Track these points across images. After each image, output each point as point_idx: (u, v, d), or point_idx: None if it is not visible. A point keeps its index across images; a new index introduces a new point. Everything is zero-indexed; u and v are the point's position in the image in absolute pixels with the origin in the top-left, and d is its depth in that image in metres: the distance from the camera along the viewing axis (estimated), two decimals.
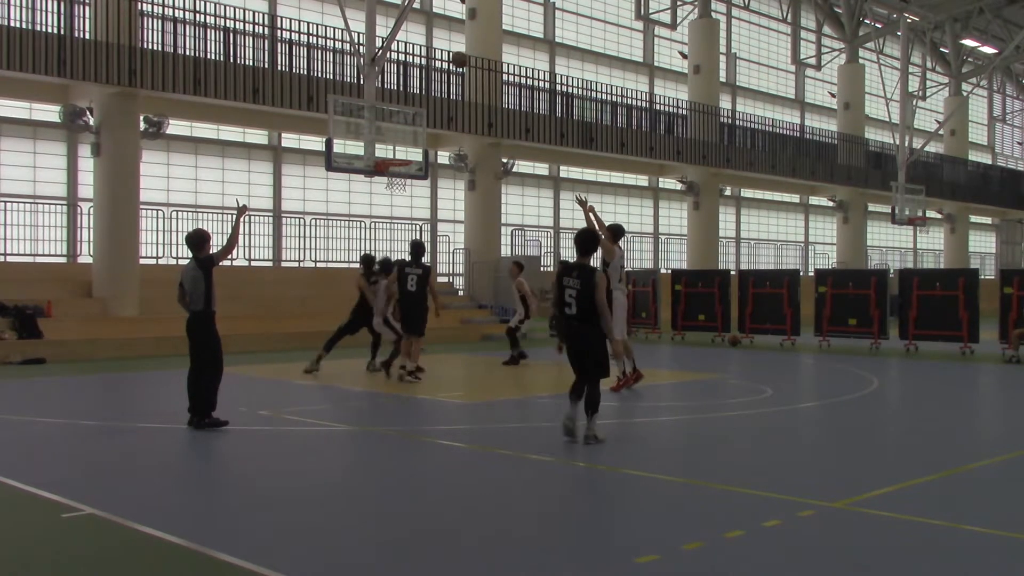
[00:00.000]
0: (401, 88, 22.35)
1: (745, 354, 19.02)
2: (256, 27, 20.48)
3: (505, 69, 25.01)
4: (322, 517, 6.06)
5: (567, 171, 29.49)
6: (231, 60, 19.79)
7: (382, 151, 18.93)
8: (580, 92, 26.87)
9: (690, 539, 5.55)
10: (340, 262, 23.80)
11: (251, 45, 20.35)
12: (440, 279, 25.85)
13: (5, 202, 19.02)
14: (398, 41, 20.51)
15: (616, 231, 11.90)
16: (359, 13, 19.44)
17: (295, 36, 21.02)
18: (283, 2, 23.46)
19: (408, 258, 13.27)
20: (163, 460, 8.02)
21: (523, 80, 25.45)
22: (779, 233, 37.65)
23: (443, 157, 25.72)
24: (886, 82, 33.83)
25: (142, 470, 7.65)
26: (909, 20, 35.34)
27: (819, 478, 7.45)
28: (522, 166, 26.87)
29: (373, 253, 16.11)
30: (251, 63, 20.18)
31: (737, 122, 32.15)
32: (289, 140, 23.48)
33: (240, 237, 8.82)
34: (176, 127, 20.74)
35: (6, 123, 19.28)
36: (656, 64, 33.18)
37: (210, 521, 5.99)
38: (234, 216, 9.64)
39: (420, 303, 13.05)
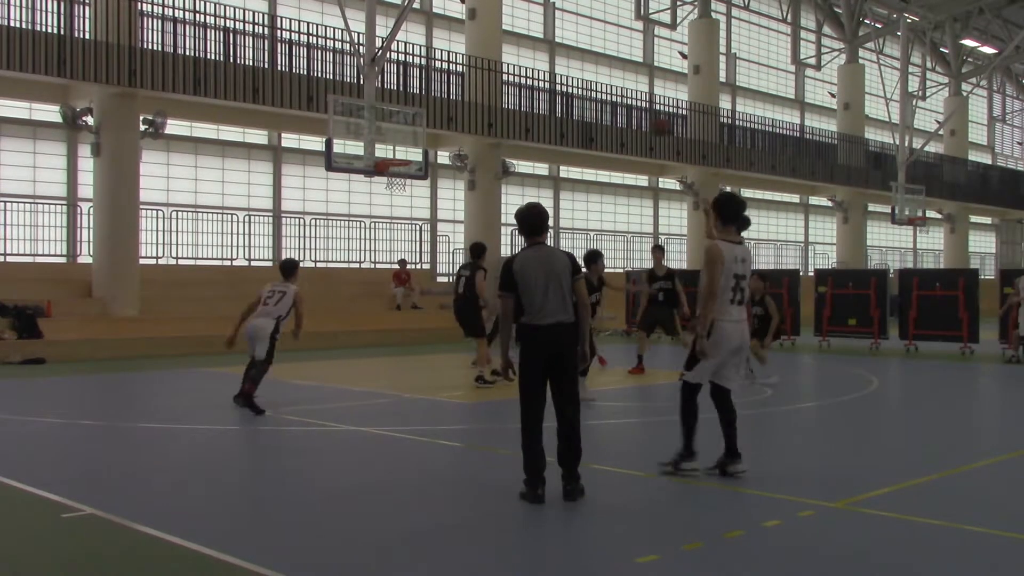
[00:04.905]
0: (401, 88, 22.34)
1: None
2: (256, 27, 20.47)
3: (505, 69, 25.00)
4: (322, 517, 6.06)
5: (567, 171, 29.49)
6: (231, 60, 19.78)
7: (382, 151, 18.92)
8: (580, 92, 26.87)
9: (690, 539, 5.55)
10: (340, 262, 23.80)
11: (251, 45, 20.34)
12: (440, 279, 25.90)
13: (5, 202, 19.02)
14: (398, 41, 20.51)
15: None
16: (359, 13, 19.43)
17: (295, 36, 21.01)
18: (283, 2, 23.45)
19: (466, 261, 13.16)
20: (163, 460, 8.02)
21: (523, 80, 25.44)
22: (779, 233, 37.64)
23: (443, 157, 25.72)
24: (886, 82, 33.82)
25: (142, 470, 7.64)
26: (909, 20, 35.33)
27: (819, 478, 7.44)
28: (522, 166, 26.86)
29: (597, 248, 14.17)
30: (251, 63, 20.17)
31: (737, 122, 32.13)
32: (289, 140, 23.48)
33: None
34: (176, 127, 20.73)
35: (6, 123, 19.28)
36: (656, 64, 33.18)
37: (210, 521, 5.98)
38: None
39: (469, 304, 12.84)
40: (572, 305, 6.50)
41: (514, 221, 6.84)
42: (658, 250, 14.46)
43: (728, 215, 7.31)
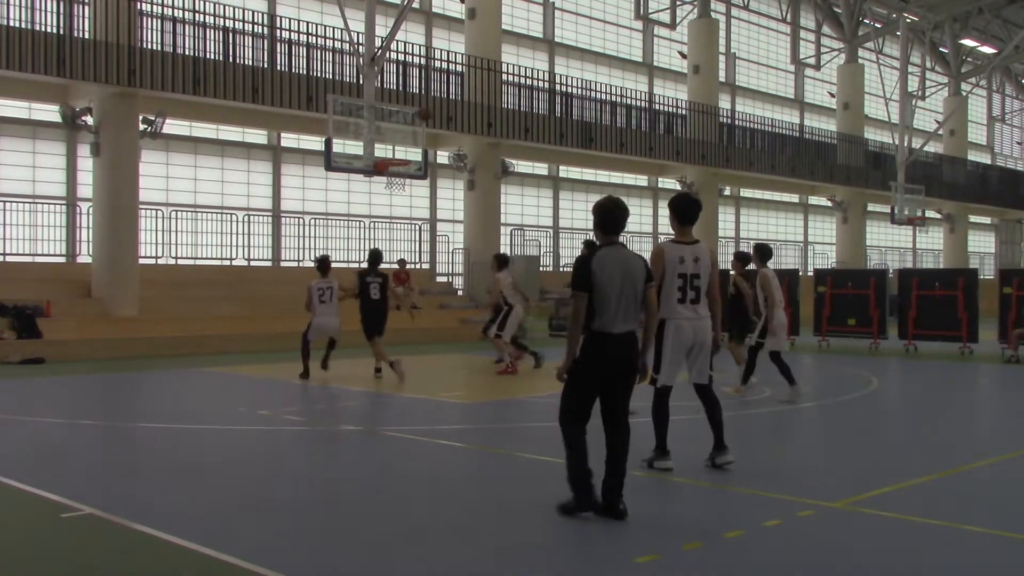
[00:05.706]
0: (401, 88, 22.34)
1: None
2: (255, 27, 20.47)
3: (505, 69, 24.99)
4: (322, 517, 6.06)
5: (566, 171, 29.49)
6: (231, 60, 19.78)
7: (381, 151, 18.91)
8: (579, 92, 26.87)
9: (690, 539, 5.55)
10: (340, 262, 23.77)
11: (250, 45, 20.34)
12: (439, 279, 25.93)
13: (5, 202, 19.02)
14: (398, 41, 20.51)
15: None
16: (359, 13, 19.42)
17: (295, 36, 21.01)
18: (283, 2, 23.44)
19: (367, 267, 13.89)
20: (163, 460, 8.01)
21: (522, 80, 25.44)
22: (778, 233, 37.64)
23: (442, 157, 25.72)
24: (885, 82, 33.83)
25: (142, 470, 7.64)
26: (909, 20, 35.34)
27: (819, 478, 7.44)
28: (521, 166, 26.86)
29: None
30: (251, 63, 20.17)
31: (736, 122, 32.14)
32: (288, 140, 23.47)
33: None
34: (175, 127, 20.73)
35: (6, 123, 19.28)
36: (655, 64, 33.18)
37: (210, 521, 5.98)
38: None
39: (385, 309, 13.70)
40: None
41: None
42: None
43: (682, 215, 7.32)
